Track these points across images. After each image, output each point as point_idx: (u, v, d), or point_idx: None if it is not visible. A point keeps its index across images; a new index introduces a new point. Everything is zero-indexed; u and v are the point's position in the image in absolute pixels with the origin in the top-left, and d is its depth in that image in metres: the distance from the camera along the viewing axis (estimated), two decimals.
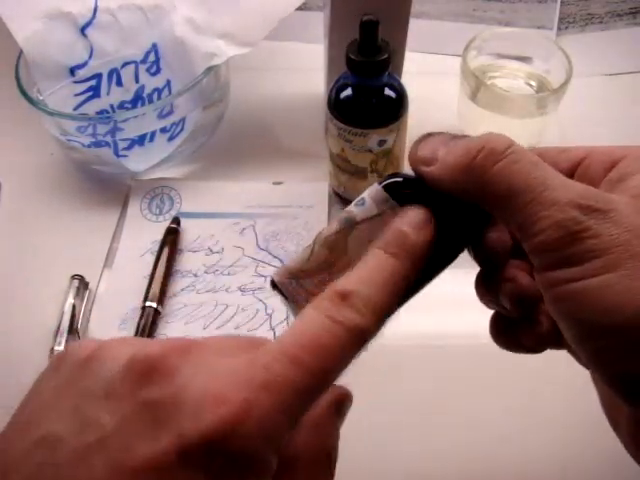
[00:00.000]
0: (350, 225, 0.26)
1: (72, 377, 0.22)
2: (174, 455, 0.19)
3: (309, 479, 0.23)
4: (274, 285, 0.28)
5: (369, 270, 0.24)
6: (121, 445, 0.19)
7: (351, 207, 0.27)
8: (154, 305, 0.49)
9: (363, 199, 0.27)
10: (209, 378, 0.20)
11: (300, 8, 0.53)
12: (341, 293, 0.22)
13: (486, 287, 0.28)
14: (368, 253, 0.24)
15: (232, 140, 0.62)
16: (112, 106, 0.60)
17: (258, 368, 0.21)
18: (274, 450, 0.20)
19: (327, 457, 0.24)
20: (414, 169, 0.26)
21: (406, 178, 0.27)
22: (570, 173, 0.25)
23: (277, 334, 0.48)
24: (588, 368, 0.26)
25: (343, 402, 0.26)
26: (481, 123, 0.57)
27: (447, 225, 0.26)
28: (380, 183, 0.27)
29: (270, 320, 0.49)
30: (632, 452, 0.25)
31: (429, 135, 0.27)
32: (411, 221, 0.25)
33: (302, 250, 0.27)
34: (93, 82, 0.59)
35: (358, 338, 0.22)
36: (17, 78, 0.54)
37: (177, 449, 0.19)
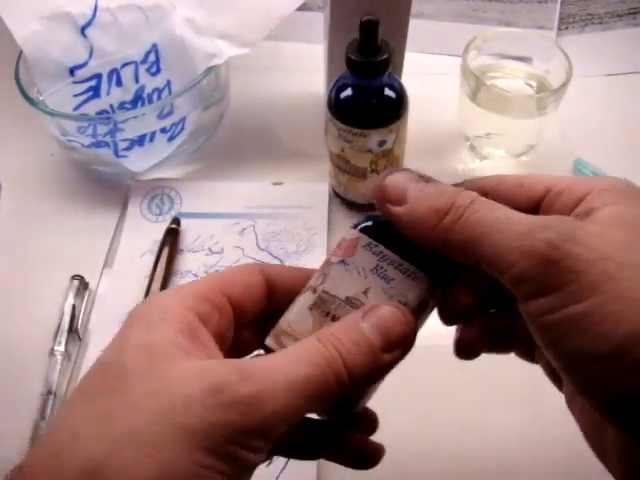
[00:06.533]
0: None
1: None
2: None
3: None
4: None
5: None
6: None
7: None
8: None
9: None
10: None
11: (300, 8, 0.53)
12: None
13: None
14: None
15: (232, 140, 0.62)
16: (112, 106, 0.60)
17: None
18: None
19: None
20: (379, 204, 0.26)
21: (376, 222, 0.27)
22: (531, 210, 0.25)
23: None
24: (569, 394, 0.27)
25: None
26: (481, 123, 0.57)
27: (419, 261, 0.26)
28: (356, 227, 0.28)
29: None
30: (620, 477, 0.25)
31: (396, 171, 0.27)
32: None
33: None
34: (93, 82, 0.59)
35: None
36: (17, 78, 0.54)
37: None
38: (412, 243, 0.26)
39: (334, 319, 0.26)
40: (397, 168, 0.27)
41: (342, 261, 0.27)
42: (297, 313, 0.27)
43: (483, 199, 0.24)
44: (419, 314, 0.27)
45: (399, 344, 0.25)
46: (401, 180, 0.26)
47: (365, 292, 0.26)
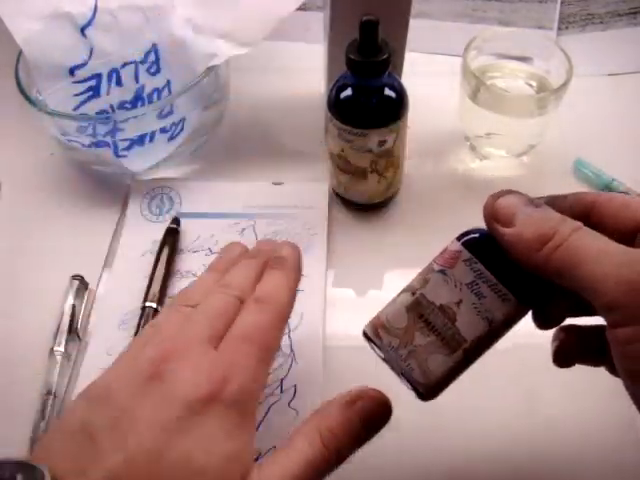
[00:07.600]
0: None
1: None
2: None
3: None
4: None
5: None
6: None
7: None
8: (154, 305, 0.49)
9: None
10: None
11: (300, 8, 0.52)
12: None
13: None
14: None
15: (232, 140, 0.62)
16: (112, 106, 0.60)
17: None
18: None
19: None
20: (488, 223, 0.28)
21: (480, 236, 0.29)
22: (633, 232, 0.27)
23: None
24: None
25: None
26: (481, 123, 0.57)
27: (513, 285, 0.28)
28: (460, 238, 0.30)
29: None
30: None
31: (508, 193, 0.28)
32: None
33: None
34: (93, 82, 0.59)
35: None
36: (17, 78, 0.54)
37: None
38: (508, 264, 0.28)
39: (427, 322, 0.29)
40: (510, 190, 0.29)
41: (442, 271, 0.29)
42: (395, 311, 0.30)
43: (586, 229, 0.26)
44: (502, 330, 0.29)
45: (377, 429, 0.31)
46: (512, 203, 0.28)
47: (457, 304, 0.29)
